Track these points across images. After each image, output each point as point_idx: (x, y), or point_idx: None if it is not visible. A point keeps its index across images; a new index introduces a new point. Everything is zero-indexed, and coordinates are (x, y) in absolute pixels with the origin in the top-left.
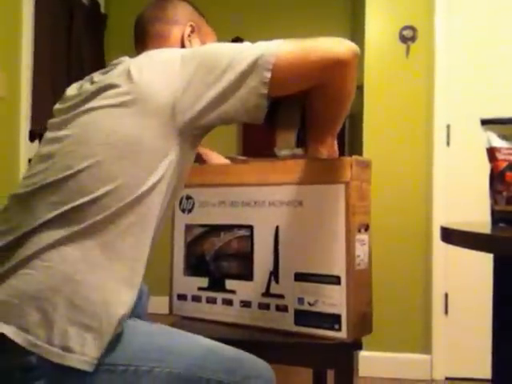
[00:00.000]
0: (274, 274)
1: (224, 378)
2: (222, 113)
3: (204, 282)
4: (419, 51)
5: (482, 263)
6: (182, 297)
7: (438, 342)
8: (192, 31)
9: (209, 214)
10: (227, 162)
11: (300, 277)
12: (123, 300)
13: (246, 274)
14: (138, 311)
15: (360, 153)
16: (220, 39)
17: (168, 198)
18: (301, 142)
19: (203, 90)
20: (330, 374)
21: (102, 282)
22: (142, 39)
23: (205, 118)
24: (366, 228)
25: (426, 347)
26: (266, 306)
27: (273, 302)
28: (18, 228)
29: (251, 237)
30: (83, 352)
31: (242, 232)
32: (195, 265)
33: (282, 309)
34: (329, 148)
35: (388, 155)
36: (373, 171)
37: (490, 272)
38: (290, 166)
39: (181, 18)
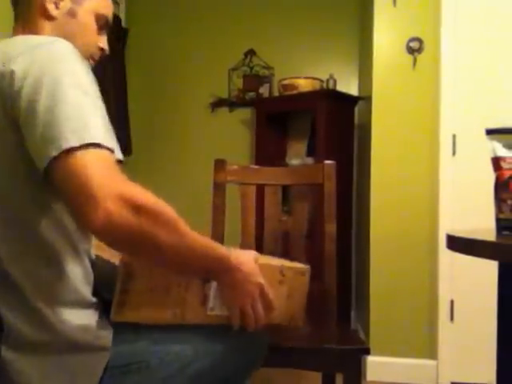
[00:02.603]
0: None
1: (237, 355)
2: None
3: None
4: (425, 62)
5: (487, 270)
6: None
7: (444, 347)
8: None
9: None
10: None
11: None
12: (82, 329)
13: None
14: None
15: (368, 162)
16: (234, 52)
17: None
18: (311, 152)
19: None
20: (339, 377)
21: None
22: None
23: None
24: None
25: (431, 353)
26: None
27: None
28: None
29: None
30: None
31: None
32: None
33: None
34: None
35: (395, 164)
36: (380, 179)
37: (494, 279)
38: None
39: None
